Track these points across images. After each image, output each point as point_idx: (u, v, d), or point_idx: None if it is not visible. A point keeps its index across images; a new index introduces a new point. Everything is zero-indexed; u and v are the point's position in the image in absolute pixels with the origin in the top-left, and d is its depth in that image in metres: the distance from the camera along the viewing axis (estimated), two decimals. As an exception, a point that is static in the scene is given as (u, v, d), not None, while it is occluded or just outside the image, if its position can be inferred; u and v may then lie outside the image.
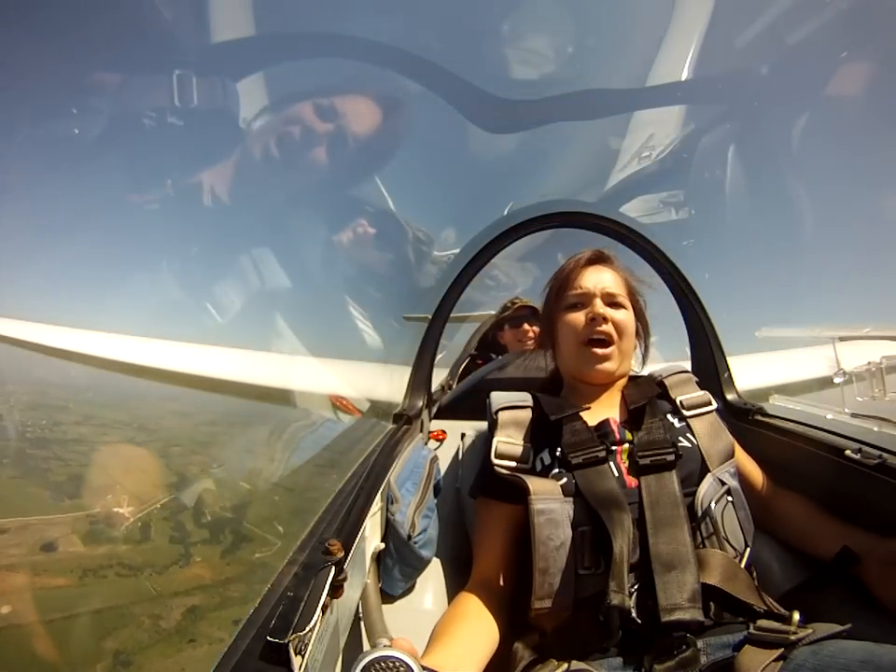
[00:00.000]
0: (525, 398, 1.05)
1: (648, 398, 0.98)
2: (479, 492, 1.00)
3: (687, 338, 1.64)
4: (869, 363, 1.30)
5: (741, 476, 1.01)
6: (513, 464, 0.91)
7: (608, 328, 1.02)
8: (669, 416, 0.97)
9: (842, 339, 1.34)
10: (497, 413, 1.01)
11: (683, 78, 2.29)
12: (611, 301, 1.05)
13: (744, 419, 1.37)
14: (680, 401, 0.98)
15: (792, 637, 0.67)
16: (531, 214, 1.62)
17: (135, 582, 17.00)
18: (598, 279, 1.07)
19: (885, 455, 0.97)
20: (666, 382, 1.05)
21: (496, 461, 0.91)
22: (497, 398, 1.08)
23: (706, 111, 2.62)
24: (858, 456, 0.99)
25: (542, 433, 0.98)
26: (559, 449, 0.92)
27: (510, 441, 0.95)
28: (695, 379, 1.08)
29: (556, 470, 0.89)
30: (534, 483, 0.85)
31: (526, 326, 2.15)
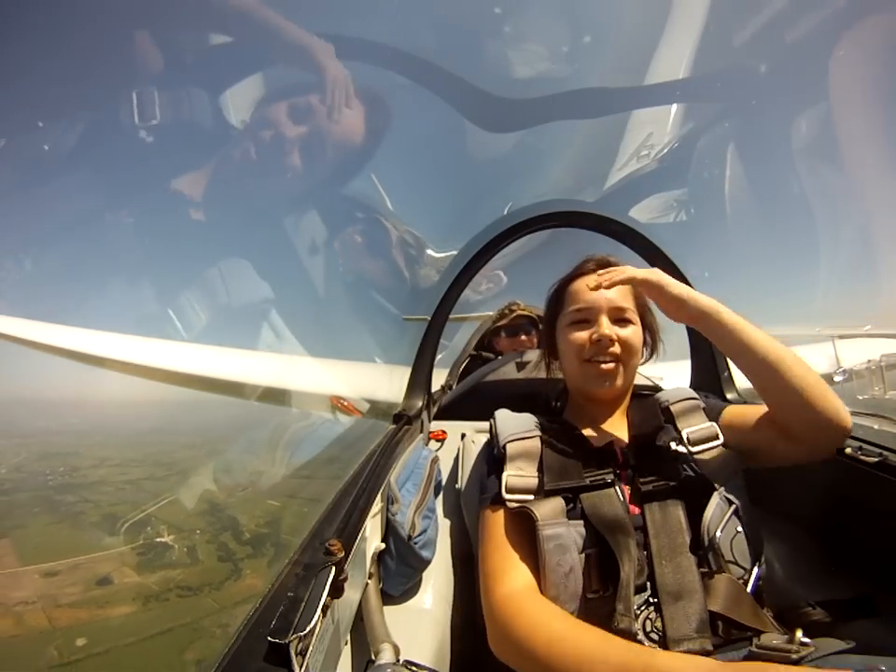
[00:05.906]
0: (530, 427, 1.00)
1: (653, 427, 0.96)
2: (489, 501, 0.95)
3: (687, 337, 1.64)
4: (869, 361, 1.30)
5: (738, 434, 0.94)
6: (525, 497, 0.89)
7: (614, 349, 0.98)
8: (674, 444, 0.95)
9: (842, 337, 1.34)
10: (504, 446, 0.96)
11: (681, 77, 2.28)
12: (619, 318, 1.00)
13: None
14: (687, 436, 0.94)
15: (794, 656, 0.67)
16: (530, 214, 1.61)
17: (197, 600, 18.36)
18: (606, 292, 0.98)
19: (885, 452, 0.97)
20: (673, 409, 1.00)
21: (507, 496, 0.89)
22: (504, 425, 1.01)
23: (704, 109, 2.62)
24: (858, 454, 0.99)
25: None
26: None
27: (520, 475, 0.92)
28: (702, 405, 1.01)
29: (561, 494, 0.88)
30: (540, 510, 0.84)
31: (524, 337, 2.07)
